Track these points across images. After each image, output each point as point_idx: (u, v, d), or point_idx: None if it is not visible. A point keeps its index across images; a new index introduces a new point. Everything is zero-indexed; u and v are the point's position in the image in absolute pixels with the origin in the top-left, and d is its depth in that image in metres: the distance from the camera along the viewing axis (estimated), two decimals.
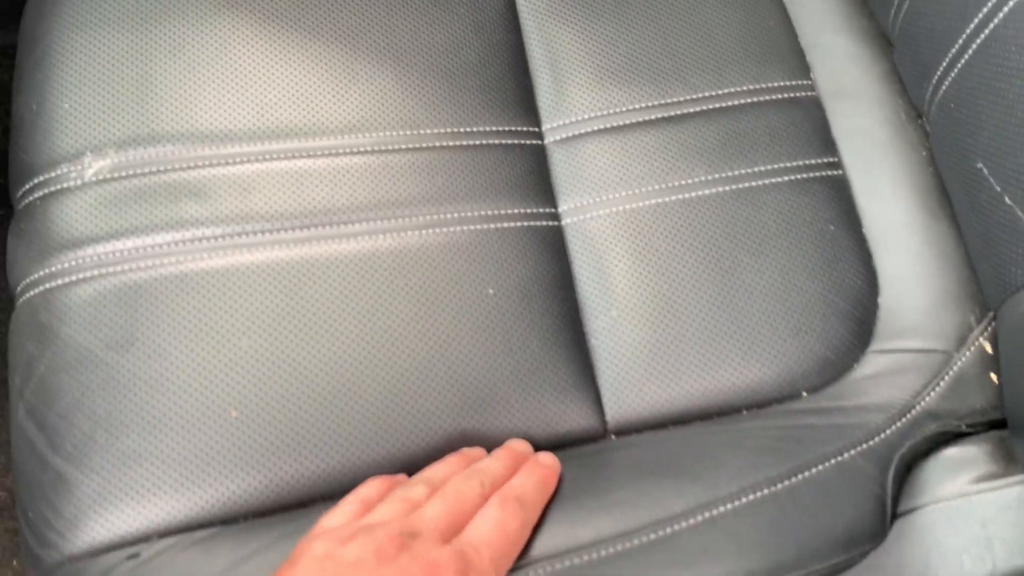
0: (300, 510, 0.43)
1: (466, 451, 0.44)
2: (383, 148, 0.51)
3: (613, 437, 0.47)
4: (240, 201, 0.48)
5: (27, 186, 0.49)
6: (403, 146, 0.51)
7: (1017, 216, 0.40)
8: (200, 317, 0.45)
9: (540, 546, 0.40)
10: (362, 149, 0.50)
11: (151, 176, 0.48)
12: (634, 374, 0.47)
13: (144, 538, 0.42)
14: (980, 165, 0.42)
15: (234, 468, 0.43)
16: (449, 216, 0.50)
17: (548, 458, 0.43)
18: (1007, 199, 0.41)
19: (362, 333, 0.46)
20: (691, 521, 0.40)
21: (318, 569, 0.35)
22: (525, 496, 0.40)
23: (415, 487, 0.40)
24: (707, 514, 0.40)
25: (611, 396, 0.47)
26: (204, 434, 0.43)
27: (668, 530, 0.40)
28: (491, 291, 0.48)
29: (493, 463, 0.42)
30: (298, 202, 0.48)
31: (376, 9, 0.54)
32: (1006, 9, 0.40)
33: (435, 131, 0.52)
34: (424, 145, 0.51)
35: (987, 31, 0.41)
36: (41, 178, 0.49)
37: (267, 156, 0.49)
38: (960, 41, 0.43)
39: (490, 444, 0.45)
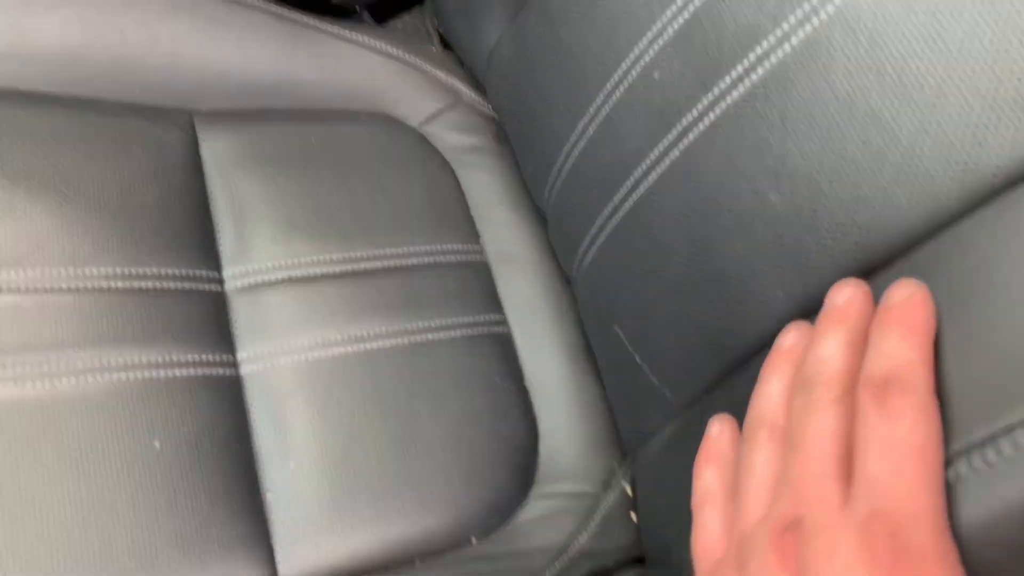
0: None
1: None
2: (40, 287, 0.47)
3: None
4: None
5: None
6: (64, 285, 0.47)
7: (646, 373, 0.47)
8: None
9: None
10: (14, 287, 0.46)
11: None
12: (310, 526, 0.46)
13: None
14: (616, 329, 0.49)
15: None
16: (113, 362, 0.46)
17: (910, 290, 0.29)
18: (638, 359, 0.48)
19: (9, 493, 0.40)
20: None
21: None
22: (898, 370, 0.26)
23: (751, 445, 0.30)
24: None
25: (285, 551, 0.46)
26: None
27: None
28: (157, 444, 0.45)
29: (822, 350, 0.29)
30: None
31: (43, 146, 0.50)
32: (636, 196, 0.48)
33: (102, 270, 0.49)
34: (89, 286, 0.48)
35: (619, 215, 0.49)
36: None
37: None
38: (598, 222, 0.51)
39: None
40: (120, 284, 0.49)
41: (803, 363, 0.30)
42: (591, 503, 0.51)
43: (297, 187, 0.57)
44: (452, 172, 0.62)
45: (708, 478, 0.34)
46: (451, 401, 0.52)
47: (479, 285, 0.58)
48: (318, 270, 0.55)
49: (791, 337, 0.33)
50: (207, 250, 0.53)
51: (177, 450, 0.45)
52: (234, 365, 0.50)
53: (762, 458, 0.30)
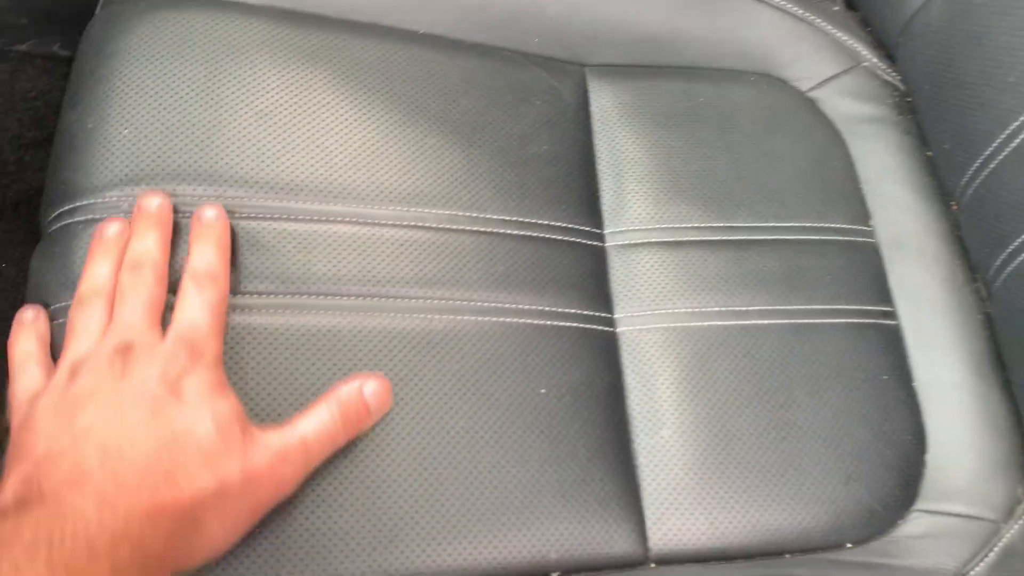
0: None
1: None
2: (447, 226, 0.49)
3: (653, 566, 0.44)
4: (301, 259, 0.45)
5: (67, 207, 0.46)
6: (468, 227, 0.49)
7: None
8: (245, 374, 0.42)
9: None
10: (427, 224, 0.49)
11: None
12: (679, 500, 0.46)
13: None
14: None
15: (255, 551, 0.39)
16: (507, 306, 0.48)
17: (214, 216, 0.44)
18: None
19: (408, 414, 0.43)
20: None
21: (54, 417, 0.36)
22: (213, 268, 0.42)
23: (87, 310, 0.40)
24: None
25: (655, 521, 0.45)
26: None
27: None
28: (543, 390, 0.46)
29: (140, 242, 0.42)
30: (359, 268, 0.46)
31: (455, 90, 0.53)
32: None
33: (501, 217, 0.50)
34: (488, 230, 0.50)
35: None
36: (86, 202, 0.45)
37: (332, 217, 0.47)
38: None
39: (528, 556, 0.42)
40: (515, 232, 0.50)
41: (130, 251, 0.42)
42: (990, 531, 0.45)
43: (682, 147, 0.55)
44: (843, 142, 0.58)
45: (24, 341, 0.42)
46: (832, 391, 0.49)
47: (868, 270, 0.53)
48: (699, 236, 0.53)
49: (114, 228, 0.43)
50: (591, 205, 0.54)
51: (560, 399, 0.46)
52: (611, 323, 0.50)
53: (96, 317, 0.40)
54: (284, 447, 0.38)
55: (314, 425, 0.39)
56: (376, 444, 0.42)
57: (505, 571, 0.42)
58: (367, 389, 0.41)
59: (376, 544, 0.40)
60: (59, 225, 0.46)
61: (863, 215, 0.55)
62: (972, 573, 0.44)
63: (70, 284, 0.44)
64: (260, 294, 0.44)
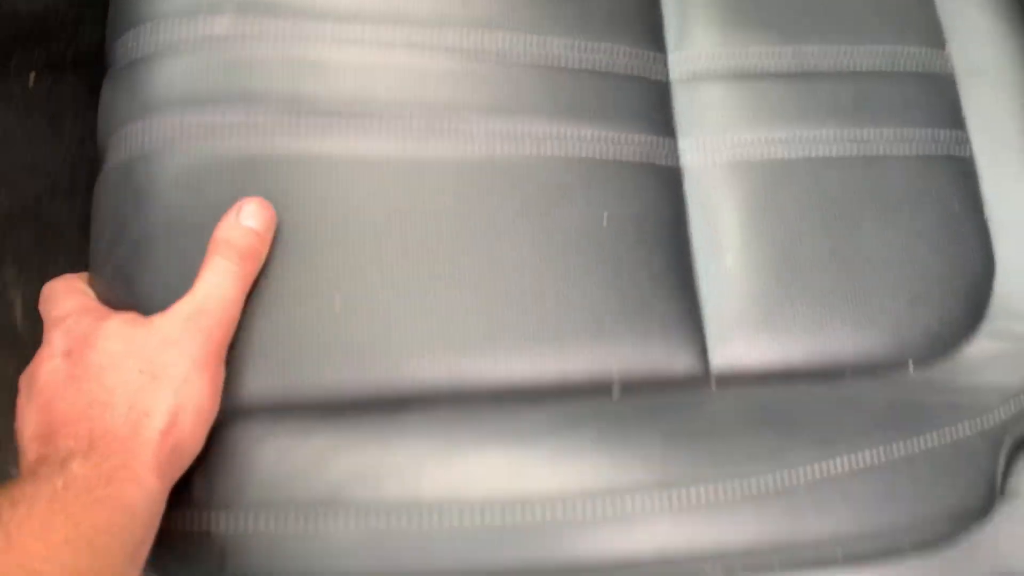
0: (397, 412, 0.41)
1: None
2: (507, 51, 0.48)
3: (714, 386, 0.45)
4: (361, 84, 0.45)
5: (131, 35, 0.46)
6: (528, 52, 0.49)
7: None
8: (309, 198, 0.43)
9: (634, 477, 0.39)
10: (487, 49, 0.48)
11: (269, 45, 0.46)
12: (742, 323, 0.46)
13: (236, 412, 0.40)
14: None
15: (332, 355, 0.41)
16: (571, 136, 0.48)
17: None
18: None
19: (474, 239, 0.44)
20: (807, 477, 0.39)
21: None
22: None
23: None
24: (822, 472, 0.39)
25: (717, 342, 0.46)
26: (305, 316, 0.41)
27: (784, 482, 0.39)
28: (605, 218, 0.47)
29: None
30: (420, 94, 0.46)
31: None
32: None
33: (562, 40, 0.49)
34: (550, 54, 0.49)
35: None
36: (148, 28, 0.46)
37: (391, 43, 0.47)
38: None
39: (590, 369, 0.44)
40: (577, 55, 0.49)
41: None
42: None
43: None
44: None
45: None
46: (900, 219, 0.48)
47: (941, 99, 0.52)
48: (766, 63, 0.51)
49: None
50: (654, 34, 0.52)
51: (623, 226, 0.47)
52: (675, 154, 0.50)
53: None
54: (192, 311, 0.38)
55: (209, 277, 0.39)
56: (443, 264, 0.43)
57: (567, 382, 0.43)
58: (243, 216, 0.41)
59: (448, 351, 0.42)
60: (124, 55, 0.47)
61: (939, 41, 0.53)
62: None
63: (138, 115, 0.44)
64: (319, 118, 0.44)
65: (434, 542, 0.38)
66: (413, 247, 0.43)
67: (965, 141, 0.51)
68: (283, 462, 0.39)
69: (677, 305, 0.46)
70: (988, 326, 0.47)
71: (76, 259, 0.46)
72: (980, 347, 0.46)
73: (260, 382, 0.40)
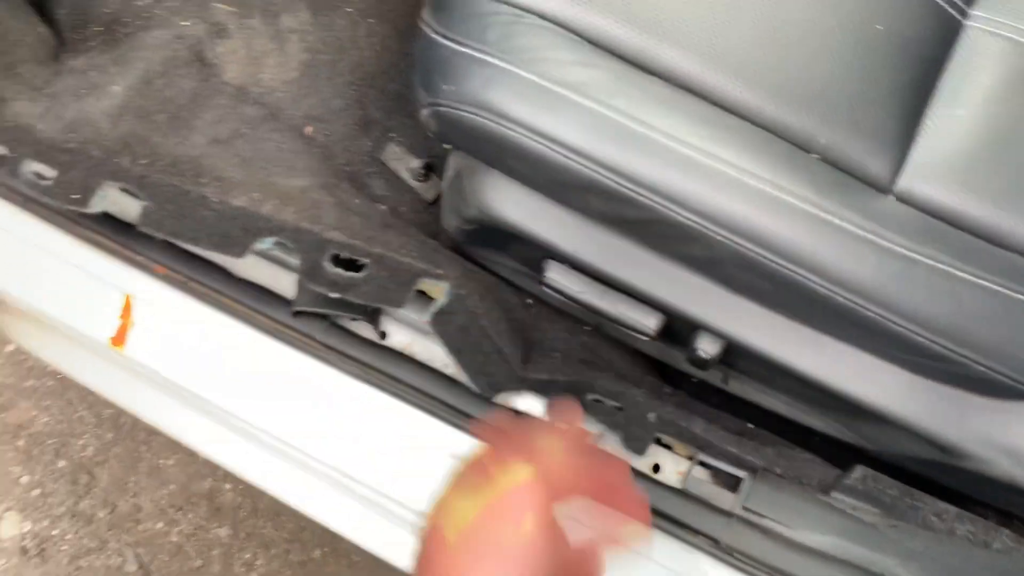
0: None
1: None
2: None
3: (893, 198, 0.51)
4: None
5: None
6: None
7: None
8: None
9: None
10: None
11: None
12: (943, 162, 0.51)
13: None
14: None
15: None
16: None
17: None
18: None
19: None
20: None
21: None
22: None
23: None
24: None
25: (913, 168, 0.51)
26: None
27: None
28: (880, 27, 0.52)
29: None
30: None
31: None
32: None
33: None
34: None
35: None
36: None
37: None
38: None
39: (801, 128, 0.50)
40: None
41: None
42: None
43: None
44: None
45: None
46: None
47: None
48: None
49: None
50: None
51: (891, 40, 0.52)
52: (964, 14, 0.54)
53: None
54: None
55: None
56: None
57: (777, 125, 0.50)
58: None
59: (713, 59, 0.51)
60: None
61: None
62: None
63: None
64: None
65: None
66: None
67: None
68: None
69: (899, 121, 0.51)
70: None
71: None
72: None
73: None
